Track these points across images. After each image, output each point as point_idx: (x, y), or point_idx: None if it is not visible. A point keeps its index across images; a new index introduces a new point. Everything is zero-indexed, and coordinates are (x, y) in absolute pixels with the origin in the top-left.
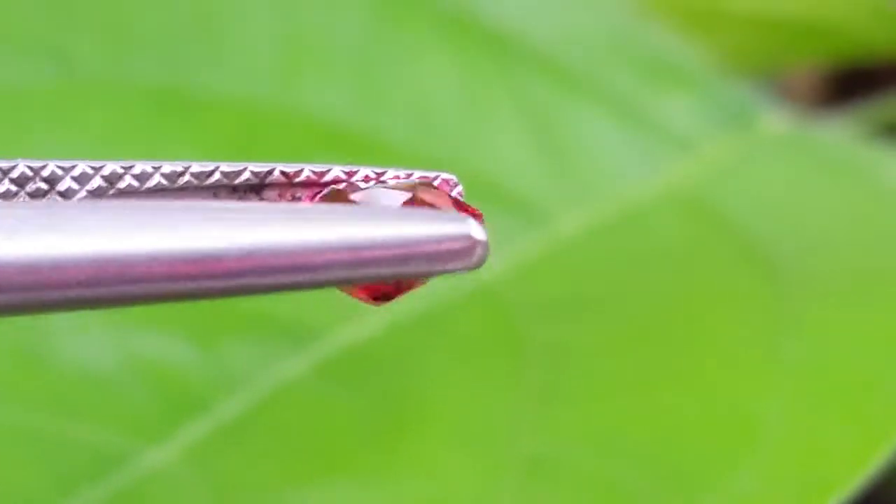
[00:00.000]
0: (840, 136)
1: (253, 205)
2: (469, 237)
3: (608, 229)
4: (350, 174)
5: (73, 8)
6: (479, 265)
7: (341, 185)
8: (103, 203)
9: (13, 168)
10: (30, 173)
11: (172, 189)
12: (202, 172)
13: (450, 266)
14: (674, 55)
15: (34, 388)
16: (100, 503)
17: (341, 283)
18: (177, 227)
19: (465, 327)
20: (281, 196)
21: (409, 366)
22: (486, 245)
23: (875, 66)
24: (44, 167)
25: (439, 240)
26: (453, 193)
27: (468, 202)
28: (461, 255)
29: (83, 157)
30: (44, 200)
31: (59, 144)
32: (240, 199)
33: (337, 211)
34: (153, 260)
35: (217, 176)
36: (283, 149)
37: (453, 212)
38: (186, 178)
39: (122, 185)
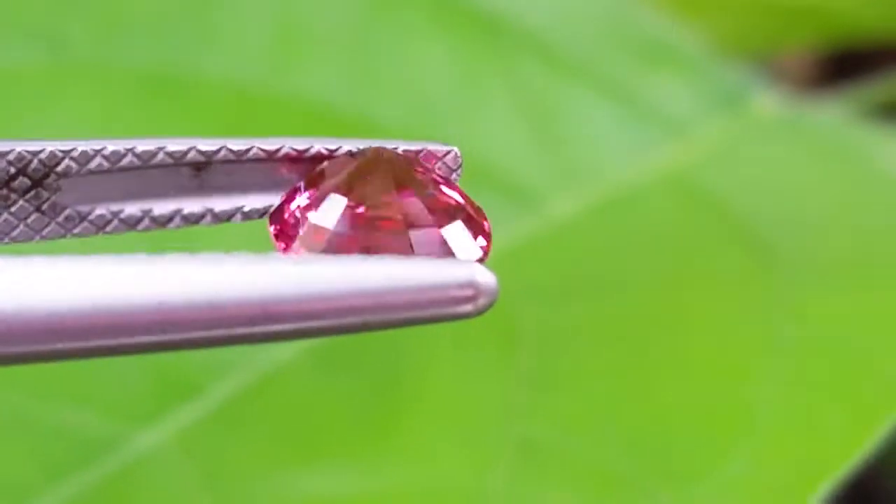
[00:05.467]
0: (833, 117)
1: (244, 257)
2: (473, 284)
3: (601, 212)
4: (332, 151)
5: None
6: (485, 309)
7: (324, 162)
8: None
9: (10, 151)
10: (28, 156)
11: (147, 167)
12: (179, 151)
13: (452, 313)
14: (666, 38)
15: (23, 372)
16: (90, 487)
17: (327, 335)
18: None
19: None
20: (263, 167)
21: (402, 350)
22: (493, 291)
23: (867, 47)
24: (42, 150)
25: (442, 289)
26: (451, 165)
27: (463, 188)
28: (465, 302)
29: (76, 139)
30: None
31: (50, 126)
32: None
33: (327, 260)
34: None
35: (193, 154)
36: (276, 131)
37: (454, 260)
38: (160, 156)
39: (124, 162)
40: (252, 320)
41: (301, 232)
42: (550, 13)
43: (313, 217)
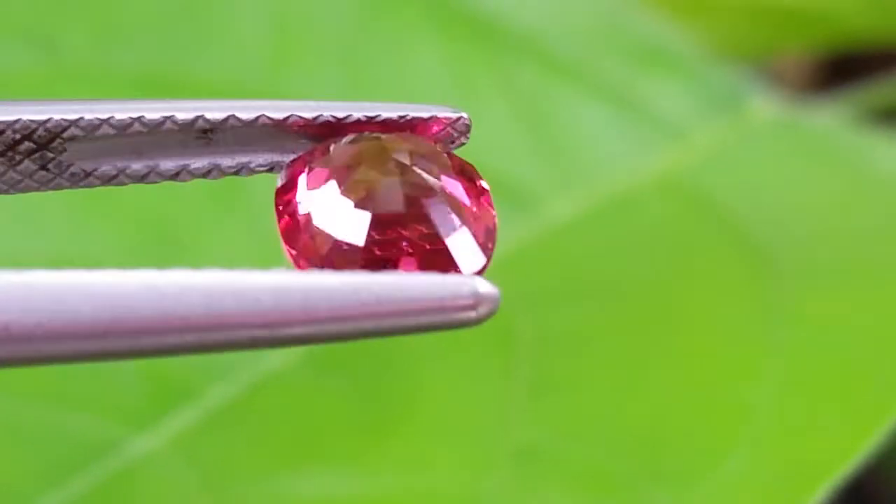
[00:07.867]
0: (830, 121)
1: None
2: (474, 293)
3: (598, 216)
4: (340, 120)
5: None
6: (487, 317)
7: (331, 130)
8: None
9: (16, 121)
10: (33, 125)
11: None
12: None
13: (453, 322)
14: (664, 41)
15: (22, 376)
16: (87, 491)
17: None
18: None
19: None
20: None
21: (398, 355)
22: (494, 299)
23: (865, 51)
24: (48, 120)
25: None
26: (460, 130)
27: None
28: (466, 310)
29: (81, 102)
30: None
31: None
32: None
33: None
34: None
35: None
36: None
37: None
38: (167, 125)
39: (131, 131)
40: (255, 333)
41: (307, 237)
42: (546, 16)
43: (318, 221)
